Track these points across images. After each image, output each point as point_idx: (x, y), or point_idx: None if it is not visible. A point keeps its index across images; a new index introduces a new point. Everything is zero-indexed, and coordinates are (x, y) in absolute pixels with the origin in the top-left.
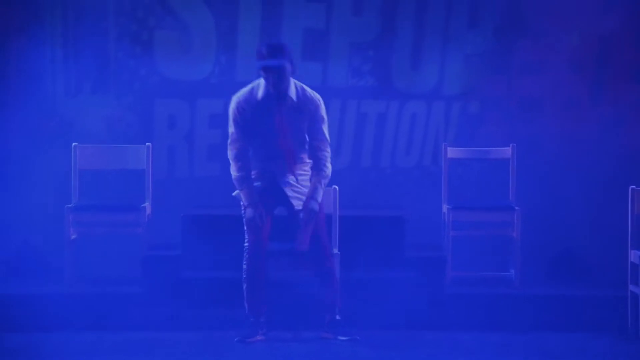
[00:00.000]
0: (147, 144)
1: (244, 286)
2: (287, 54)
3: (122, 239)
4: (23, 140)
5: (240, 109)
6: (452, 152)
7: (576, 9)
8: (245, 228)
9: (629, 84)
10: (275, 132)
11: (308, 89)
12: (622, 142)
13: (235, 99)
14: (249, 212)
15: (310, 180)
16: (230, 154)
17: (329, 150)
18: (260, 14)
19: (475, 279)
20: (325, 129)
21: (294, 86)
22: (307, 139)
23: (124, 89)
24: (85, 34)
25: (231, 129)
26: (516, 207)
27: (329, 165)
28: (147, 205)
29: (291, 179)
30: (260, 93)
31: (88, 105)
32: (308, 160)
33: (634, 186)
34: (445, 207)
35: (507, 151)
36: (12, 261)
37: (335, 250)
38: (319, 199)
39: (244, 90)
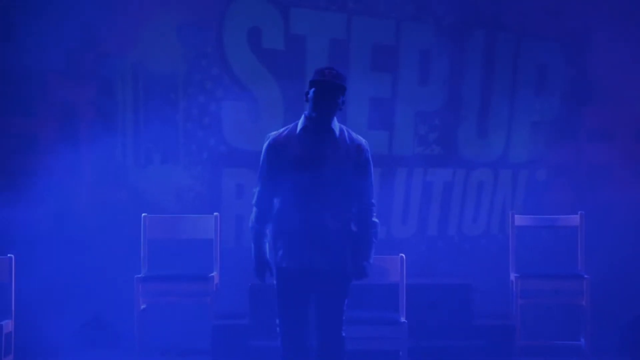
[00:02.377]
0: (215, 213)
1: None
2: (344, 80)
3: (190, 308)
4: (94, 211)
5: (273, 143)
6: (520, 220)
7: None
8: (277, 324)
9: None
10: (311, 166)
11: (354, 133)
12: None
13: (269, 136)
14: (258, 275)
15: (357, 236)
16: (254, 196)
17: (374, 202)
18: None
19: (544, 348)
20: (372, 178)
21: (337, 123)
22: (349, 186)
23: (192, 159)
24: (155, 105)
25: (261, 167)
26: (585, 276)
27: (376, 219)
28: (215, 274)
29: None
30: (299, 126)
31: (158, 176)
32: (349, 214)
33: None
34: (513, 275)
35: (575, 219)
36: (82, 332)
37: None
38: (371, 260)
39: (280, 130)
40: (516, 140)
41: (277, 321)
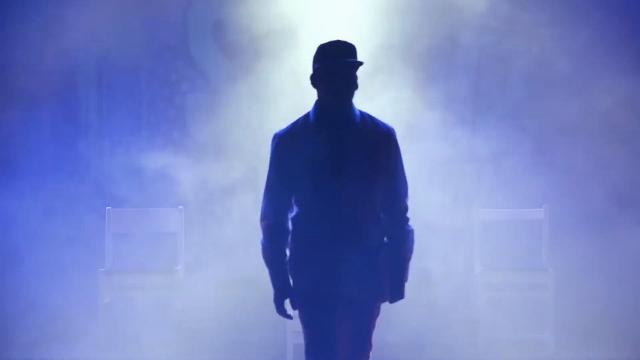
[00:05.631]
0: (180, 206)
1: None
2: (357, 55)
3: (155, 302)
4: (57, 204)
5: (283, 144)
6: (484, 214)
7: (608, 70)
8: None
9: None
10: (336, 166)
11: (376, 118)
12: None
13: (276, 136)
14: (278, 307)
15: (390, 249)
16: (262, 215)
17: (408, 203)
18: (290, 79)
19: (509, 342)
20: (404, 172)
21: (356, 109)
22: (380, 185)
23: (157, 152)
24: (119, 98)
25: (269, 177)
26: (549, 269)
27: (411, 225)
28: (181, 268)
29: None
30: (311, 118)
31: (121, 169)
32: (380, 223)
33: None
34: (477, 269)
35: (539, 212)
36: (45, 326)
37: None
38: (407, 279)
39: (288, 125)
40: (481, 134)
41: (305, 349)
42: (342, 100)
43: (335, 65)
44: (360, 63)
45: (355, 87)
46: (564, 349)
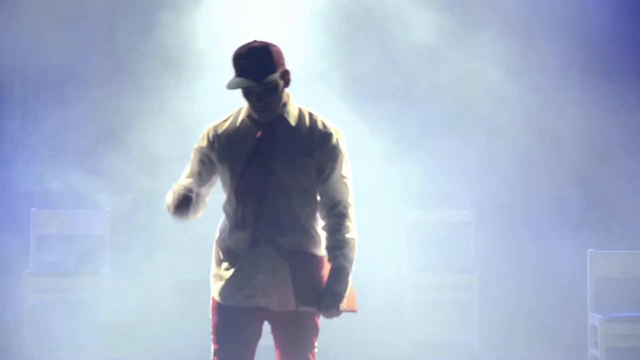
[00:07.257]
0: (106, 208)
1: None
2: (271, 64)
3: (81, 304)
4: None
5: (208, 136)
6: (412, 216)
7: (541, 78)
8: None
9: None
10: (257, 170)
11: (321, 118)
12: (579, 205)
13: (207, 128)
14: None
15: (319, 257)
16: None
17: (350, 211)
18: (217, 81)
19: (436, 344)
20: (348, 177)
21: (295, 107)
22: (314, 194)
23: (84, 153)
24: (45, 100)
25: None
26: (475, 271)
27: (350, 234)
28: (107, 270)
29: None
30: (241, 116)
31: (47, 170)
32: (314, 232)
33: (591, 249)
34: (405, 271)
35: (466, 214)
36: None
37: None
38: (343, 291)
39: (222, 118)
40: (408, 136)
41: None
42: (262, 115)
43: (247, 93)
44: (271, 82)
45: (278, 97)
46: (488, 351)
